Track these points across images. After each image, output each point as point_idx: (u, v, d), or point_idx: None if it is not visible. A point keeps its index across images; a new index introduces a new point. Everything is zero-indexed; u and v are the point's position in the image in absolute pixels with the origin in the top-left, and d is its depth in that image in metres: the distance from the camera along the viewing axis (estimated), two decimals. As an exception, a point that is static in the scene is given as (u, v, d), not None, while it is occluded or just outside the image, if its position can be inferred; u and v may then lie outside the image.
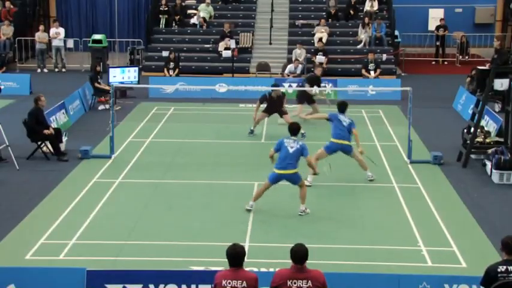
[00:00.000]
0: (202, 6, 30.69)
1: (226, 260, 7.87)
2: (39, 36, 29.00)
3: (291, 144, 12.86)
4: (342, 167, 15.90)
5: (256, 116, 18.82)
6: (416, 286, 9.35)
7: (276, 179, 13.04)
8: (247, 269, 8.05)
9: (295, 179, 12.98)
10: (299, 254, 7.82)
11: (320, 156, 14.88)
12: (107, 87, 21.99)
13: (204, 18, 30.29)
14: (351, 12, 30.83)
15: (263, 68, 27.69)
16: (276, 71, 27.40)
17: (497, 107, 21.02)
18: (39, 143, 16.62)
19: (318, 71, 21.28)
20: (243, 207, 13.36)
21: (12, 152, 15.85)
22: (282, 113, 18.81)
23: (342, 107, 15.10)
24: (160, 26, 30.67)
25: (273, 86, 19.63)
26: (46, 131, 16.46)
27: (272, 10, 30.71)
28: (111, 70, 23.94)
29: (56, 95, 21.65)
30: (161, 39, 30.00)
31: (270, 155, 13.15)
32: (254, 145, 18.07)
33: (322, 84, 21.68)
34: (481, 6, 33.64)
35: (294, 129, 13.16)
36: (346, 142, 14.82)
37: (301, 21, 30.60)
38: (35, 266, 10.53)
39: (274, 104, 18.73)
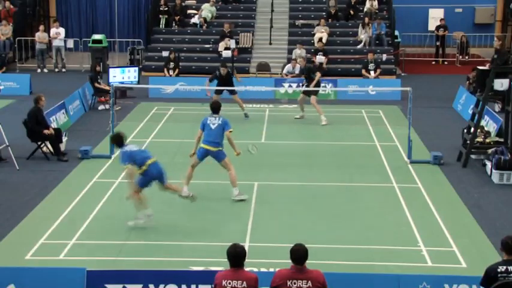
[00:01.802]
0: (206, 5, 30.67)
1: (227, 260, 7.87)
2: (39, 36, 28.99)
3: (213, 122, 13.55)
4: (342, 166, 15.91)
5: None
6: (416, 286, 9.34)
7: (202, 155, 13.73)
8: (247, 269, 8.04)
9: (219, 157, 13.67)
10: (299, 254, 7.81)
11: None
12: (107, 87, 21.97)
13: (204, 18, 30.28)
14: (351, 12, 30.82)
15: (263, 68, 27.69)
16: (276, 71, 27.38)
17: (497, 107, 21.03)
18: (39, 143, 16.62)
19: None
20: (243, 206, 13.36)
21: (12, 152, 15.84)
22: (232, 93, 20.49)
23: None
24: (160, 26, 30.67)
25: (221, 65, 21.03)
26: (46, 131, 16.45)
27: (272, 10, 30.69)
28: (111, 70, 23.92)
29: (56, 95, 21.66)
30: (161, 39, 29.99)
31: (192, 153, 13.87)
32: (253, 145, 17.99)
33: (322, 85, 21.68)
34: (481, 6, 33.64)
35: (215, 107, 13.74)
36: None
37: (301, 21, 30.59)
38: (35, 266, 10.52)
39: (223, 82, 20.36)
